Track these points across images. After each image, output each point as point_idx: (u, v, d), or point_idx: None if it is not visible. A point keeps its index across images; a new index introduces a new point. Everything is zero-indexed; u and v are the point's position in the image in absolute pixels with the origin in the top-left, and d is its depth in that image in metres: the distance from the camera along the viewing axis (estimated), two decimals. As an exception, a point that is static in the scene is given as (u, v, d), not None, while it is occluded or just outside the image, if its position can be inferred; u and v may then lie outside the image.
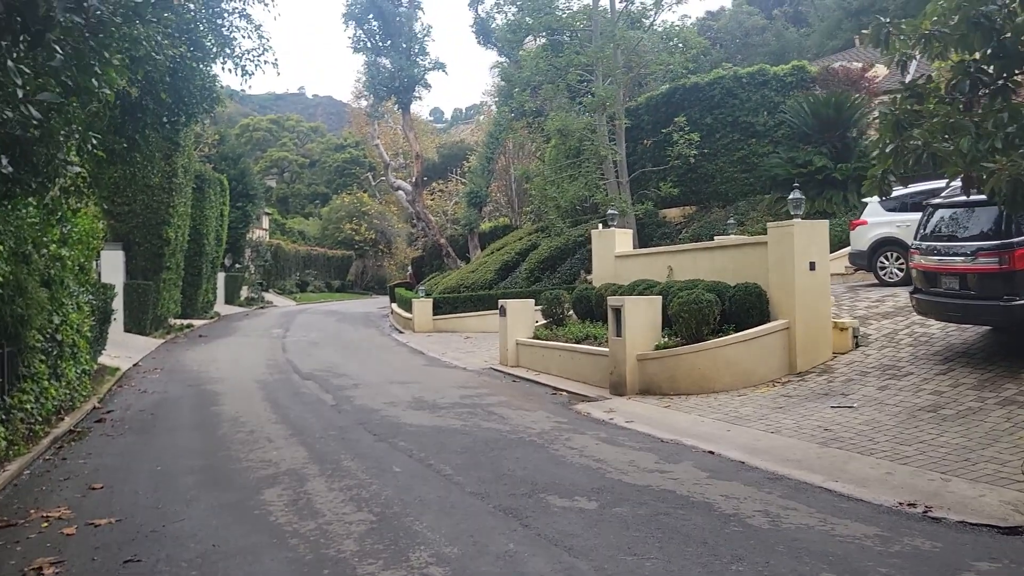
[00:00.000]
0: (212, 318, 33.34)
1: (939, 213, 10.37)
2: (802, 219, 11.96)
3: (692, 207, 24.81)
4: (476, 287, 27.63)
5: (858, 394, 9.98)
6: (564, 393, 12.98)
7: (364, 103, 62.04)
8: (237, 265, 47.01)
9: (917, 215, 14.48)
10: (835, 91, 21.34)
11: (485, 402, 11.82)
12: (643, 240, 23.93)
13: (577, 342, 14.77)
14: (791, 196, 12.07)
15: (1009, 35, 6.43)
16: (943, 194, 10.54)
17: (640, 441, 8.91)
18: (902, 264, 14.65)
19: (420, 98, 59.75)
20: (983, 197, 9.67)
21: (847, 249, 16.45)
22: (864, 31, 7.52)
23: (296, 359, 18.32)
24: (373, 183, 57.94)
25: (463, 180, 62.84)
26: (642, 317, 12.33)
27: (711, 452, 8.28)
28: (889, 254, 14.88)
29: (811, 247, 11.72)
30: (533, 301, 17.41)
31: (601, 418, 10.53)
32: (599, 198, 22.93)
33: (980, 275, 9.33)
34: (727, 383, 11.51)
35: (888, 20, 6.97)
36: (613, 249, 17.11)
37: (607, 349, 13.01)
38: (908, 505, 6.25)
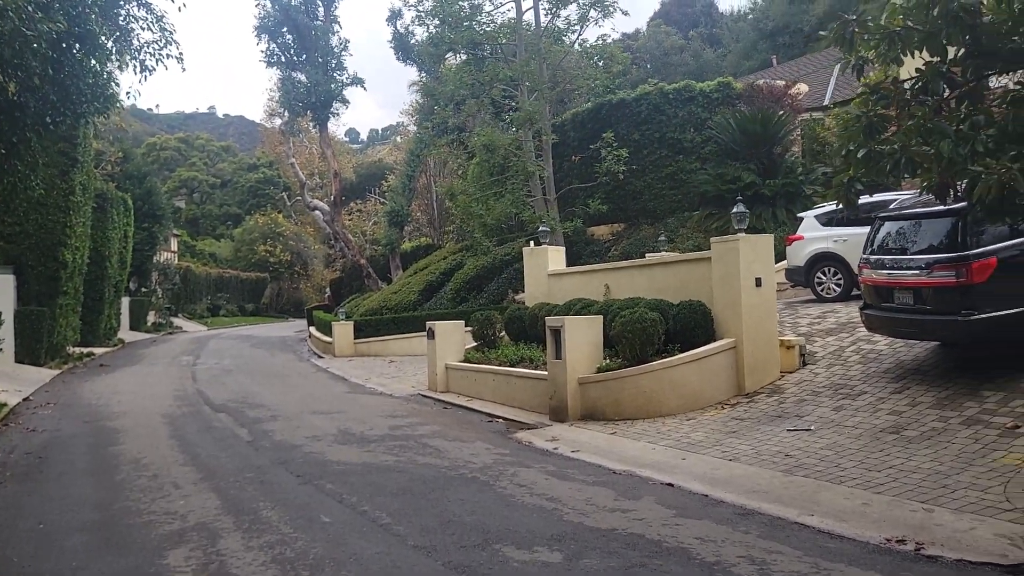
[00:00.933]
0: (115, 345, 31.33)
1: (888, 225, 10.04)
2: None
3: (620, 224, 24.44)
4: (399, 309, 26.63)
5: (812, 415, 9.50)
6: (500, 420, 12.20)
7: (278, 121, 60.27)
8: (143, 289, 44.68)
9: (855, 230, 14.36)
10: (761, 108, 21.32)
11: (418, 433, 10.92)
12: (572, 258, 23.37)
13: (512, 365, 14.03)
14: (734, 210, 11.63)
15: (987, 30, 6.03)
16: (893, 205, 10.24)
17: (591, 474, 8.19)
18: (840, 280, 14.44)
19: (338, 114, 58.68)
20: (935, 208, 9.40)
21: (782, 264, 16.19)
22: (822, 32, 7.00)
23: (207, 389, 17.01)
24: (289, 203, 56.02)
25: (382, 200, 61.66)
26: (583, 338, 11.67)
27: (670, 484, 7.62)
28: (827, 269, 14.64)
29: (756, 263, 11.28)
30: (463, 323, 16.59)
31: (544, 448, 9.79)
32: (527, 215, 22.33)
33: (936, 289, 8.98)
34: (674, 406, 10.93)
35: (855, 18, 6.49)
36: (546, 267, 16.46)
37: (546, 372, 12.31)
38: (897, 541, 5.69)
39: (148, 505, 7.17)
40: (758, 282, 11.26)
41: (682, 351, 11.29)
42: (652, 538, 5.83)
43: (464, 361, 15.84)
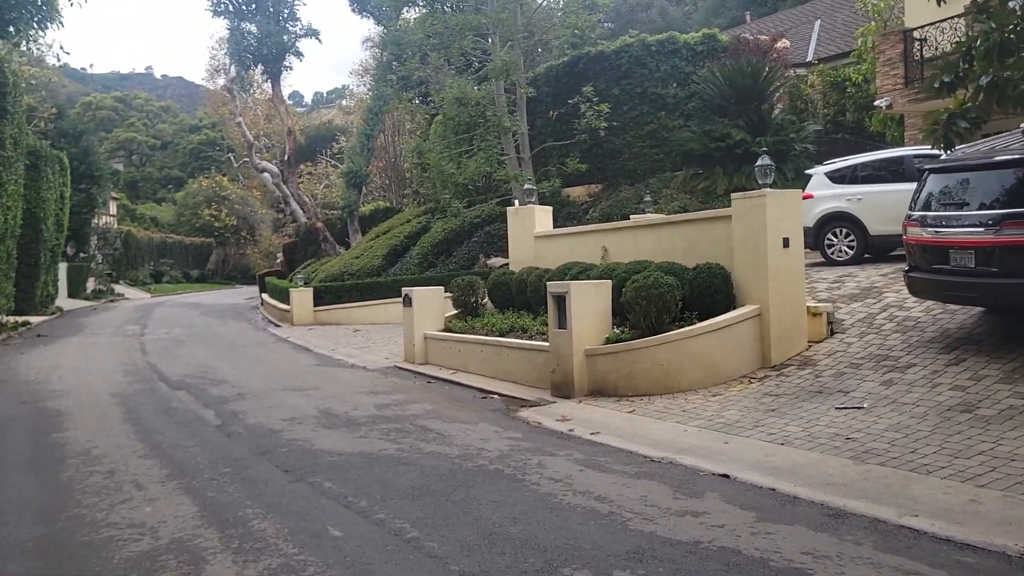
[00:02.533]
0: (53, 314, 29.26)
1: (940, 178, 9.03)
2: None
3: (598, 185, 23.26)
4: (362, 274, 25.13)
5: (859, 391, 8.52)
6: (496, 397, 11.02)
7: (221, 80, 57.45)
8: (82, 254, 42.18)
9: (871, 187, 13.41)
10: (748, 61, 20.21)
11: (409, 413, 9.68)
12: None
13: (501, 335, 12.82)
14: (759, 163, 10.52)
15: None
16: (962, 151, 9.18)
17: (627, 462, 7.07)
18: (852, 242, 13.49)
19: (291, 68, 55.97)
20: (1001, 158, 8.40)
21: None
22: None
23: (160, 362, 15.47)
24: (235, 165, 53.51)
25: (333, 163, 59.52)
26: (590, 305, 10.51)
27: (725, 476, 6.53)
28: (838, 230, 13.67)
29: (784, 220, 10.22)
30: (443, 289, 15.28)
31: (558, 429, 8.64)
32: (501, 175, 20.96)
33: (1006, 249, 8.00)
34: (694, 380, 9.86)
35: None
36: (532, 228, 15.24)
37: (545, 343, 11.15)
38: (1042, 551, 4.67)
39: (106, 514, 5.82)
40: (785, 243, 10.21)
41: (700, 320, 10.22)
42: (751, 555, 4.71)
43: (445, 330, 14.60)
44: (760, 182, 10.43)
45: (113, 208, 55.30)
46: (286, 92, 69.55)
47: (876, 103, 18.69)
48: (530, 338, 12.19)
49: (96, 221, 44.40)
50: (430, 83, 27.77)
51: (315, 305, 24.79)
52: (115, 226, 52.75)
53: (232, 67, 44.92)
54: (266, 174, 45.79)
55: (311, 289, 24.92)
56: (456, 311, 15.35)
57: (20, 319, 24.22)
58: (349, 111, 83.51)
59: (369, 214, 34.77)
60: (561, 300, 10.54)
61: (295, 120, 65.92)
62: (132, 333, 22.19)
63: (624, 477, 6.56)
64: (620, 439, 8.01)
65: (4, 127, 20.14)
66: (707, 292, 10.39)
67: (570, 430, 8.57)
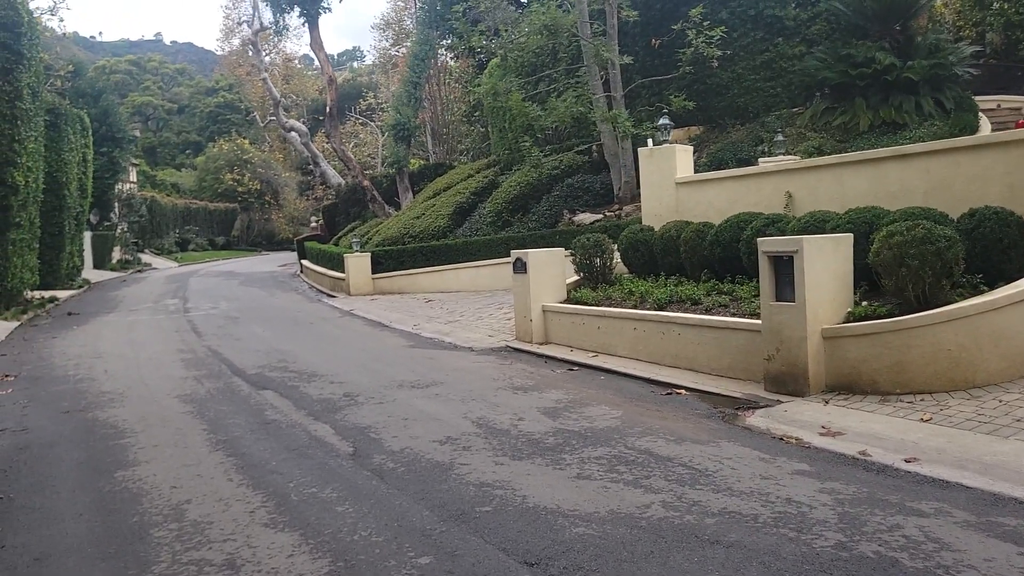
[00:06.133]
0: (81, 287, 26.81)
1: None
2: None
3: (698, 128, 20.22)
4: (426, 236, 22.35)
5: None
6: (682, 392, 8.31)
7: (237, 41, 54.34)
8: (105, 223, 39.66)
9: None
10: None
11: (601, 426, 6.95)
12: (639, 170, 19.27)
13: (660, 308, 10.05)
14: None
15: None
16: None
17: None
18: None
19: (330, 9, 52.58)
20: None
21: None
22: None
23: (222, 347, 12.83)
24: (262, 124, 50.64)
25: (360, 119, 56.47)
26: (828, 269, 7.71)
27: None
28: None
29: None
30: (563, 251, 12.48)
31: (841, 451, 5.95)
32: (599, 114, 17.95)
33: None
34: (992, 371, 7.07)
35: None
36: (673, 174, 12.38)
37: (753, 321, 8.37)
38: None
39: None
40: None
41: (987, 286, 7.42)
42: None
43: (569, 301, 11.87)
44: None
45: (133, 175, 52.68)
46: (296, 56, 66.34)
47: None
48: (707, 312, 9.42)
49: (120, 187, 41.81)
50: (484, 19, 24.74)
51: (372, 272, 22.09)
52: (137, 193, 50.16)
53: (256, 19, 41.91)
54: (294, 133, 42.85)
55: (368, 255, 22.17)
56: (578, 278, 12.61)
57: (47, 295, 21.74)
58: (360, 73, 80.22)
59: (418, 171, 31.86)
60: (786, 262, 7.72)
61: (311, 81, 62.83)
62: (174, 309, 19.60)
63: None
64: (969, 473, 5.27)
65: (21, 75, 17.34)
66: (995, 247, 7.58)
67: (863, 453, 5.84)
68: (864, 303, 7.84)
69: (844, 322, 7.67)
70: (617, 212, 19.24)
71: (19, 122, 17.36)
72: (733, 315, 9.05)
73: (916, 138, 14.30)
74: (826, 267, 7.67)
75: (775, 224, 9.68)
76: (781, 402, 7.58)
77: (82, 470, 6.26)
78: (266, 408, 8.15)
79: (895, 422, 6.58)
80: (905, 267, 7.32)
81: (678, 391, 8.39)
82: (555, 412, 7.51)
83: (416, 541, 4.41)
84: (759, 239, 8.12)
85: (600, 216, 19.24)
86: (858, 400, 7.28)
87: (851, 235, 7.98)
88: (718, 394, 8.15)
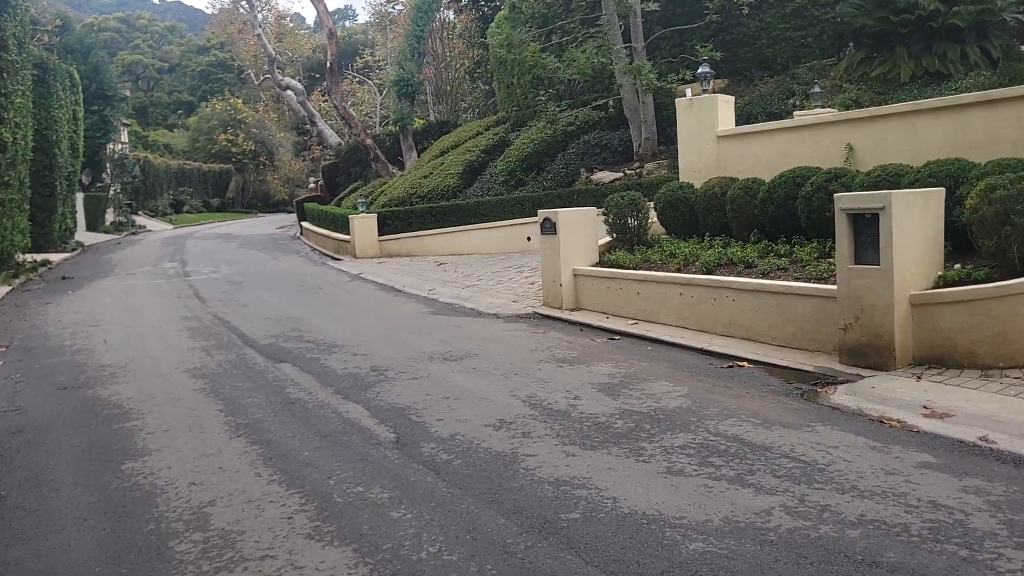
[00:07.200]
0: (75, 250, 25.84)
1: None
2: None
3: (722, 80, 19.21)
4: (434, 196, 21.40)
5: None
6: (745, 364, 7.51)
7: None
8: (98, 184, 38.47)
9: None
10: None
11: (669, 405, 6.14)
12: (660, 126, 18.33)
13: (709, 272, 9.22)
14: None
15: None
16: None
17: None
18: None
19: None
20: None
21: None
22: None
23: (229, 314, 11.97)
24: (256, 82, 49.22)
25: (358, 77, 55.02)
26: (917, 229, 6.86)
27: None
28: None
29: None
30: (595, 210, 11.60)
31: (964, 439, 5.13)
32: (620, 67, 16.92)
33: None
34: (1112, 344, 6.27)
35: None
36: (714, 126, 11.47)
37: (827, 287, 7.55)
38: None
39: None
40: None
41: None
42: None
43: (602, 264, 11.03)
44: None
45: (124, 135, 51.29)
46: (288, 14, 64.51)
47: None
48: (764, 276, 8.58)
49: (112, 147, 40.55)
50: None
51: (379, 234, 21.18)
52: (130, 153, 48.85)
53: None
54: (289, 92, 41.56)
55: (375, 216, 21.24)
56: (609, 239, 11.75)
57: (39, 258, 20.80)
58: (353, 32, 78.24)
59: (421, 129, 30.75)
60: (866, 220, 6.87)
61: (305, 40, 61.10)
62: (174, 272, 18.71)
63: None
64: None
65: (6, 24, 16.20)
66: (1108, 204, 6.70)
67: (984, 439, 5.07)
68: (957, 266, 7.02)
69: (935, 287, 6.85)
70: (638, 170, 18.32)
71: (4, 74, 16.27)
72: (796, 279, 8.22)
73: (963, 88, 13.40)
74: (915, 226, 6.83)
75: (838, 179, 8.80)
76: (863, 377, 6.78)
77: (84, 460, 5.45)
78: (287, 385, 7.32)
79: (1010, 401, 5.79)
80: (1010, 224, 6.49)
81: (740, 363, 7.59)
82: (612, 389, 6.71)
83: (499, 561, 3.60)
84: (837, 195, 7.25)
85: (620, 174, 18.32)
86: (955, 375, 6.48)
87: (942, 189, 7.12)
88: (786, 367, 7.35)
